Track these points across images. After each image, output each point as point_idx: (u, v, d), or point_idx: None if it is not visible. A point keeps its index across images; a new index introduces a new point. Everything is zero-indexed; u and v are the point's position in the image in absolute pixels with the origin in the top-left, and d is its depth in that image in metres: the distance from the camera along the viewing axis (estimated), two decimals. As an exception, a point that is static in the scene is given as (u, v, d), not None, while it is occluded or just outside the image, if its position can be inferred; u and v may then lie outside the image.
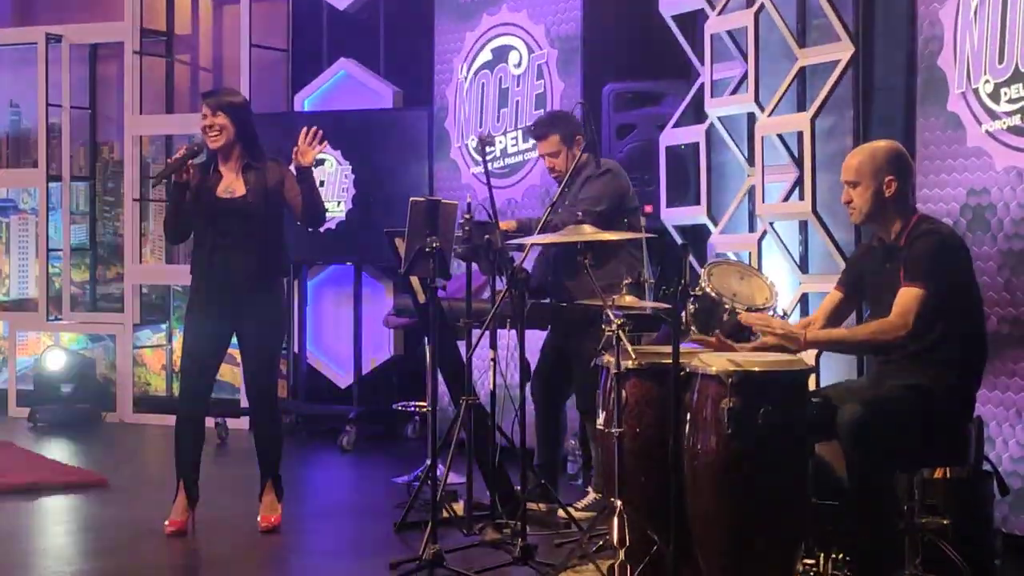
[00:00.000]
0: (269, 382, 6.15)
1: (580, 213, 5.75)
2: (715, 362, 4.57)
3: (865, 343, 4.87)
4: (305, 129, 5.97)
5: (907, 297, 4.65)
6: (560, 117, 6.56)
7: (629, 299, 5.11)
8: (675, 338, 4.54)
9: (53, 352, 9.98)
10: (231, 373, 9.48)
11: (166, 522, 6.05)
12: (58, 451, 8.50)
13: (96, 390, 10.04)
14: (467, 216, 5.64)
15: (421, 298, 6.02)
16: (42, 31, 10.07)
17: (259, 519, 6.12)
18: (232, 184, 5.99)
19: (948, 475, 5.21)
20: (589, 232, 5.07)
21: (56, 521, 6.63)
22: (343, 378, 9.39)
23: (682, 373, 4.59)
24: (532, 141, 7.89)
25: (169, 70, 10.11)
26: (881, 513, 4.62)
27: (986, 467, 5.29)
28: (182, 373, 6.23)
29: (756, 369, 4.50)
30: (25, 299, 10.64)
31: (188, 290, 6.34)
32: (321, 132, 5.96)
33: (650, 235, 5.88)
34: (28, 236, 10.64)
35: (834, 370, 6.09)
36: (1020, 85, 5.45)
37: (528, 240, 5.63)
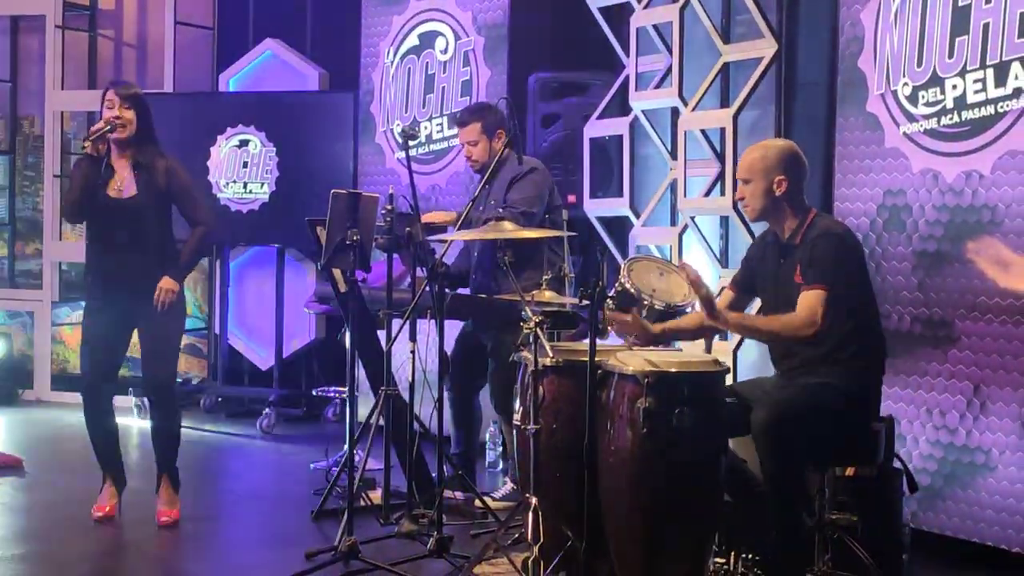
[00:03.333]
0: (166, 378, 6.07)
1: (520, 215, 5.80)
2: (632, 362, 4.60)
3: (774, 333, 4.89)
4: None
5: (811, 298, 4.69)
6: (484, 107, 6.58)
7: (549, 295, 5.14)
8: (592, 338, 4.57)
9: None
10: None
11: (94, 507, 6.02)
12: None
13: (13, 367, 9.93)
14: (388, 207, 5.64)
15: (342, 287, 6.01)
16: (-37, 2, 9.94)
17: (157, 514, 6.04)
18: (123, 182, 5.89)
19: (858, 473, 5.30)
20: (510, 229, 5.08)
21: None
22: (263, 360, 9.36)
23: (599, 372, 4.62)
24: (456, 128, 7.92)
25: (92, 45, 9.99)
26: (792, 510, 4.69)
27: (896, 464, 5.39)
28: (82, 370, 6.13)
29: (672, 370, 4.54)
30: (-58, 273, 10.51)
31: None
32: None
33: (571, 234, 5.91)
34: (-54, 210, 10.49)
35: (748, 368, 6.16)
36: (937, 89, 5.53)
37: (449, 237, 5.64)
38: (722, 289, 6.25)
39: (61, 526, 6.02)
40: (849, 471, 5.26)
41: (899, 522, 5.37)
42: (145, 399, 8.67)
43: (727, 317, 4.85)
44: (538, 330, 4.76)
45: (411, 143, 5.91)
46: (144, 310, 5.90)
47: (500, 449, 7.24)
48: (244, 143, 8.98)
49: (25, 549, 5.69)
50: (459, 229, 5.87)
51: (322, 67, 9.25)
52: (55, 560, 5.53)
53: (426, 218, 6.23)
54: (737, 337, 6.20)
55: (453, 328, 6.25)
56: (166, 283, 5.87)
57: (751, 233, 6.26)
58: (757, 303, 5.19)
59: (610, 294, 4.96)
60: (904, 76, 5.68)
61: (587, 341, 4.60)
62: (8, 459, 7.33)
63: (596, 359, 4.58)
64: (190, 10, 9.59)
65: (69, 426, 8.74)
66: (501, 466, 7.20)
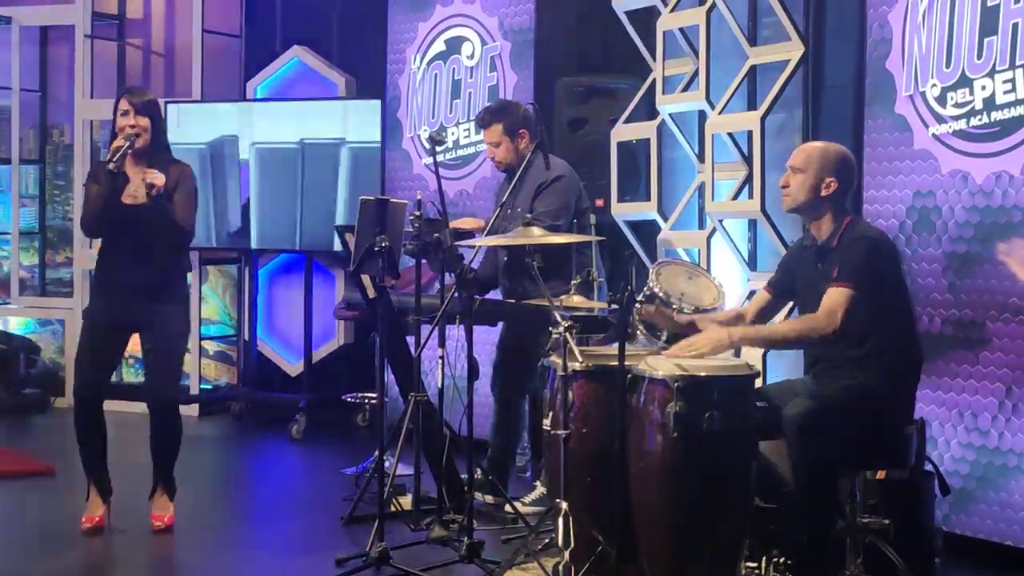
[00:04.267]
0: (169, 387, 6.01)
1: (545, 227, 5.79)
2: (662, 366, 4.60)
3: (791, 339, 4.89)
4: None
5: (835, 296, 4.69)
6: (505, 108, 6.57)
7: (577, 299, 5.14)
8: (621, 343, 4.57)
9: None
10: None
11: (83, 517, 6.00)
12: (5, 437, 8.46)
13: (44, 375, 9.98)
14: (417, 213, 5.65)
15: (371, 293, 6.02)
16: (-8, 13, 10.01)
17: (152, 518, 6.01)
18: (137, 189, 5.86)
19: (890, 476, 5.29)
20: (538, 235, 5.08)
21: (2, 511, 6.60)
22: (293, 366, 9.38)
23: (629, 376, 4.63)
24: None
25: (121, 54, 10.04)
26: (823, 513, 4.68)
27: (927, 467, 5.37)
28: (76, 370, 6.10)
29: (702, 374, 4.54)
30: (-27, 282, 10.57)
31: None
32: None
33: (600, 238, 5.91)
34: (-24, 219, 10.56)
35: (780, 372, 6.14)
36: (966, 90, 5.51)
37: (478, 242, 5.65)
38: (751, 293, 6.27)
39: (90, 533, 6.02)
40: (880, 474, 5.26)
41: (931, 525, 5.35)
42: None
43: (739, 338, 4.86)
44: (567, 335, 4.75)
45: (438, 148, 5.93)
46: (148, 319, 5.88)
47: (529, 455, 7.23)
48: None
49: (51, 557, 5.71)
50: (487, 235, 5.88)
51: (349, 74, 9.27)
52: (80, 567, 5.60)
53: (455, 224, 6.23)
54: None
55: (481, 333, 6.26)
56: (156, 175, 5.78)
57: (780, 235, 6.26)
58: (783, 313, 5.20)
59: (639, 298, 4.96)
60: (933, 77, 5.66)
61: (616, 346, 4.60)
62: (40, 466, 7.37)
63: (626, 363, 4.58)
64: (217, 19, 9.63)
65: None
66: (530, 473, 7.19)
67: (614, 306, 4.61)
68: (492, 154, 6.49)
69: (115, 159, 5.73)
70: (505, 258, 6.37)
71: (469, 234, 6.37)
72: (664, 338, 5.04)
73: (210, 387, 9.75)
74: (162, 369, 5.96)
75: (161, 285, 5.90)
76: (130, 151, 5.81)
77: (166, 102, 8.61)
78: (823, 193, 4.88)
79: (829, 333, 4.68)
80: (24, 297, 10.15)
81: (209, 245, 9.18)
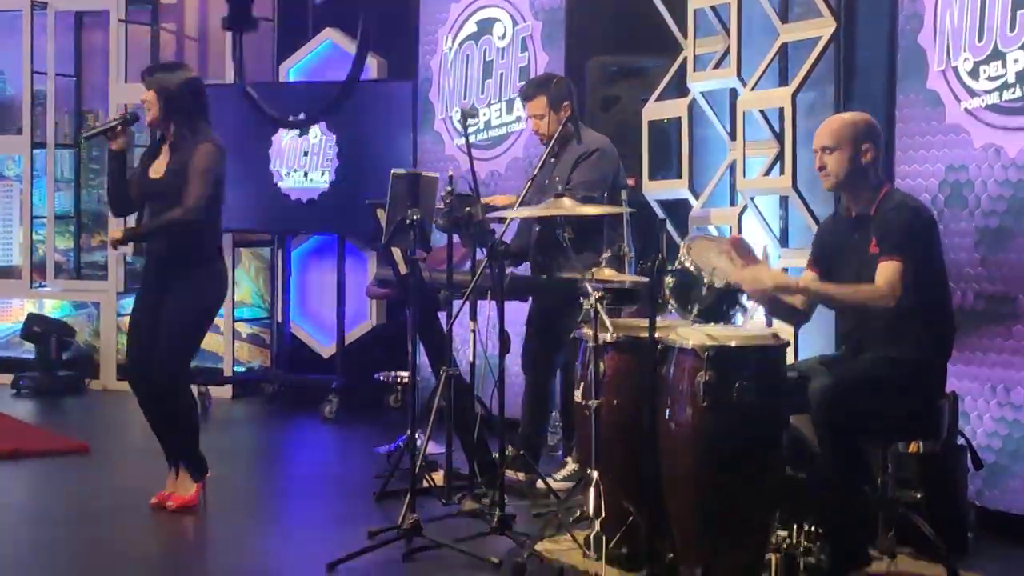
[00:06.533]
0: (169, 358, 5.86)
1: (580, 200, 5.76)
2: (692, 336, 4.61)
3: (855, 302, 4.86)
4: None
5: (890, 269, 4.69)
6: (549, 80, 6.60)
7: (608, 272, 5.15)
8: (651, 311, 4.58)
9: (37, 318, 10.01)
10: (215, 342, 9.52)
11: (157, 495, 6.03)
12: (41, 418, 8.53)
13: (79, 357, 10.06)
14: (448, 189, 5.67)
15: (403, 269, 6.04)
16: (28, -1, 10.08)
17: (169, 496, 5.97)
18: (160, 164, 5.91)
19: (922, 449, 5.28)
20: (569, 206, 5.09)
21: (38, 488, 6.67)
22: (326, 347, 9.42)
23: (659, 347, 4.63)
24: (516, 114, 7.94)
25: (154, 38, 10.09)
26: (852, 484, 4.68)
27: (960, 441, 5.36)
28: (127, 342, 6.19)
29: (732, 344, 4.54)
30: (9, 266, 10.64)
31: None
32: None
33: (630, 210, 5.90)
34: (12, 203, 10.61)
35: (810, 345, 6.13)
36: (999, 63, 5.48)
37: (508, 213, 5.65)
38: (783, 270, 6.25)
39: (119, 508, 6.08)
40: (913, 447, 5.26)
41: (964, 499, 5.35)
42: (208, 387, 8.81)
43: (805, 286, 4.86)
44: (598, 305, 4.76)
45: (470, 122, 5.94)
46: (168, 295, 5.88)
47: (561, 433, 7.24)
48: (304, 132, 9.03)
49: (79, 530, 5.78)
50: (520, 207, 5.89)
51: (381, 56, 9.29)
52: (114, 541, 5.64)
53: (486, 201, 6.24)
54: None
55: (512, 309, 6.27)
56: (113, 233, 5.99)
57: (811, 213, 6.25)
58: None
59: (669, 269, 4.96)
60: (965, 51, 5.63)
61: (647, 317, 4.61)
62: (74, 445, 7.43)
63: (656, 334, 4.59)
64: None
65: (134, 415, 8.84)
66: (561, 451, 7.20)
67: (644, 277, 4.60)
68: (536, 126, 6.51)
69: (85, 136, 6.21)
70: (537, 228, 6.38)
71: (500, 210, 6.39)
72: (695, 311, 5.04)
73: (243, 369, 9.80)
74: (160, 340, 5.85)
75: (173, 260, 5.91)
76: (121, 126, 5.90)
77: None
78: (863, 162, 4.88)
79: (892, 305, 4.67)
80: (59, 280, 10.22)
81: (242, 227, 9.22)
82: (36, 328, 9.87)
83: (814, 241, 5.27)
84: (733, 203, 6.90)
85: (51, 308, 10.35)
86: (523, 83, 6.76)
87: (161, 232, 5.89)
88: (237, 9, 3.09)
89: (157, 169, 5.92)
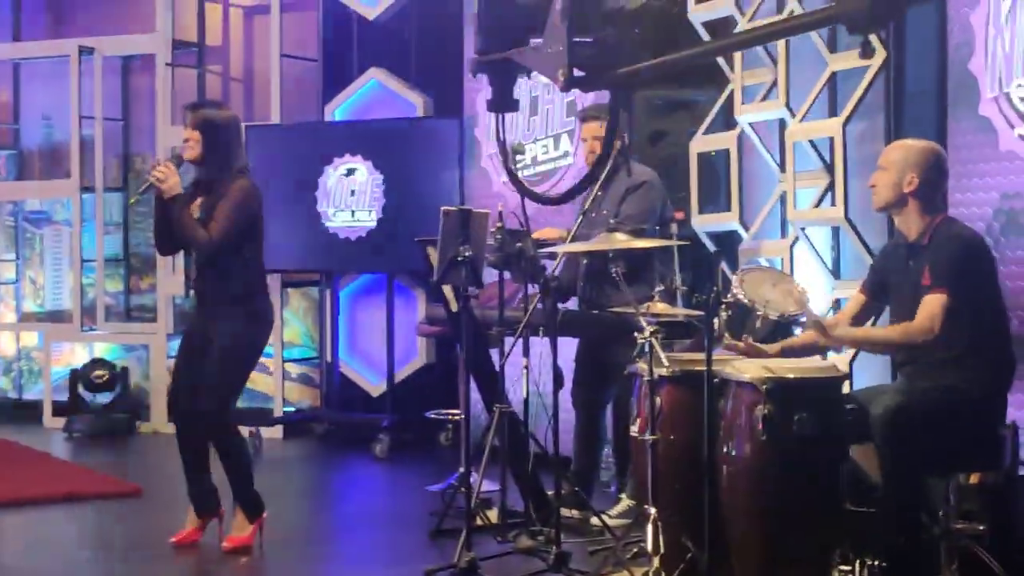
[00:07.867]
0: (209, 396, 5.82)
1: (631, 232, 5.73)
2: (749, 369, 4.57)
3: (892, 344, 4.88)
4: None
5: (932, 304, 4.67)
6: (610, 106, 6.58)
7: (661, 306, 5.12)
8: (708, 345, 4.55)
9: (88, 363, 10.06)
10: (264, 382, 9.53)
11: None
12: (94, 461, 8.56)
13: (130, 400, 10.10)
14: (499, 224, 5.66)
15: (454, 307, 6.02)
16: (75, 44, 10.17)
17: (225, 539, 5.96)
18: (198, 203, 5.93)
19: (984, 480, 5.21)
20: (622, 240, 5.07)
21: (92, 530, 6.67)
22: (376, 386, 9.41)
23: (716, 380, 4.59)
24: (563, 149, 7.93)
25: (201, 81, 10.15)
26: (915, 517, 4.62)
27: (1022, 472, 5.28)
28: (171, 381, 6.23)
29: (791, 376, 4.51)
30: (60, 310, 10.71)
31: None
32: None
33: (682, 242, 5.87)
34: (62, 247, 10.70)
35: (867, 377, 6.07)
36: (1052, 89, 5.43)
37: (561, 248, 5.63)
38: (836, 301, 6.21)
39: (180, 552, 6.04)
40: (974, 479, 5.18)
41: (1028, 531, 5.26)
42: (259, 428, 8.81)
43: (839, 335, 4.83)
44: (653, 340, 4.73)
45: (518, 158, 5.93)
46: (211, 334, 5.88)
47: (614, 470, 7.18)
48: (351, 171, 9.05)
49: (144, 573, 5.78)
50: (570, 242, 5.87)
51: (426, 94, 9.31)
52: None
53: (537, 235, 6.22)
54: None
55: (564, 344, 6.24)
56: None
57: (864, 243, 6.20)
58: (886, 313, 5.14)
59: (724, 302, 4.92)
60: (1018, 77, 5.58)
61: (701, 351, 4.57)
62: (127, 487, 7.43)
63: (713, 367, 4.55)
64: (295, 43, 9.72)
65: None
66: (614, 487, 7.15)
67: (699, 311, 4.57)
68: (592, 148, 6.47)
69: (139, 193, 6.09)
70: (584, 261, 6.35)
71: (551, 245, 6.37)
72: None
73: (293, 409, 9.81)
74: (201, 384, 5.85)
75: (214, 299, 5.94)
76: (160, 184, 5.83)
77: (247, 126, 8.67)
78: (905, 190, 4.86)
79: (930, 340, 4.65)
80: (109, 323, 10.27)
81: (290, 267, 9.24)
82: (88, 372, 9.92)
83: (872, 265, 5.27)
84: (784, 235, 6.85)
85: (101, 351, 10.39)
86: (586, 106, 6.74)
87: (183, 233, 5.87)
88: (499, 93, 3.42)
89: (195, 209, 5.93)
